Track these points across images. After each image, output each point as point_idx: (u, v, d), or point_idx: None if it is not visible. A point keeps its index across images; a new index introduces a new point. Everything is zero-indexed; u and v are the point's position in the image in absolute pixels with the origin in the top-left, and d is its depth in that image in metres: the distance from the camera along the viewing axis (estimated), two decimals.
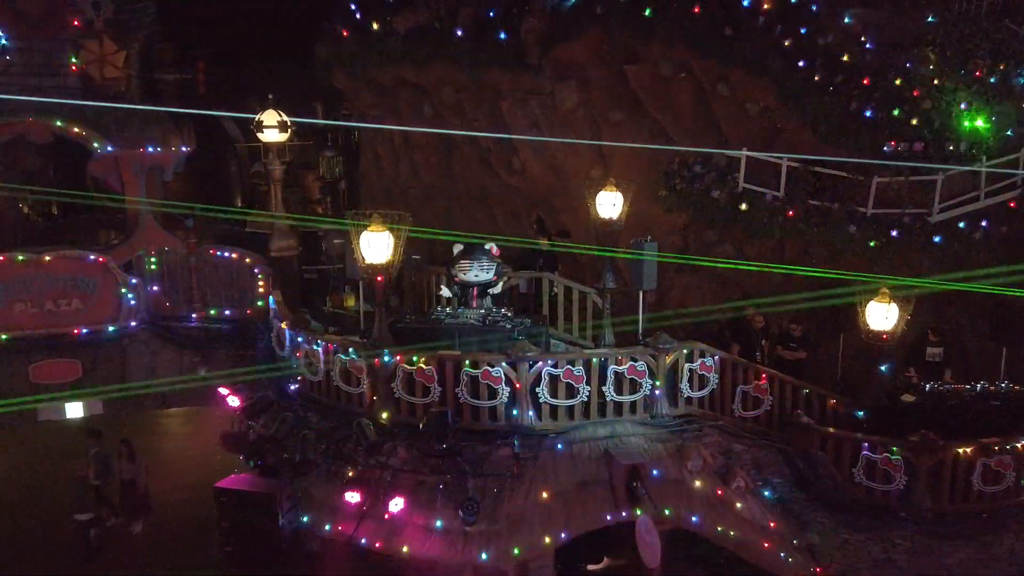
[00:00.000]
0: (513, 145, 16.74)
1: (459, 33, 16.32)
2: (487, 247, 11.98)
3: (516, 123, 16.19)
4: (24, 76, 14.12)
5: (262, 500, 9.78)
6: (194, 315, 14.40)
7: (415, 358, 10.50)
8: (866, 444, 10.86)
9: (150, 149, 14.50)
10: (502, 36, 15.90)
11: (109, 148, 14.11)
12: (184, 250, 14.34)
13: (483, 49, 16.14)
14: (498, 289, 12.01)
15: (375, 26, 17.59)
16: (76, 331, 13.80)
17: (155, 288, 14.37)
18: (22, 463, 16.42)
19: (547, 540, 9.75)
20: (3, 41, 13.79)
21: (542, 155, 16.47)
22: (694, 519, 10.18)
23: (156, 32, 16.44)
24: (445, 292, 12.22)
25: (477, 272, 11.71)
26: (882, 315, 10.89)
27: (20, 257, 13.71)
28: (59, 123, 13.97)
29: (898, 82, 14.48)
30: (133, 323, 14.12)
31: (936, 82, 14.56)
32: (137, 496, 14.05)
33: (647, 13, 14.81)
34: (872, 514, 10.74)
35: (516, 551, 9.63)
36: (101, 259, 14.01)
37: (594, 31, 15.22)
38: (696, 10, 14.62)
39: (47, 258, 13.79)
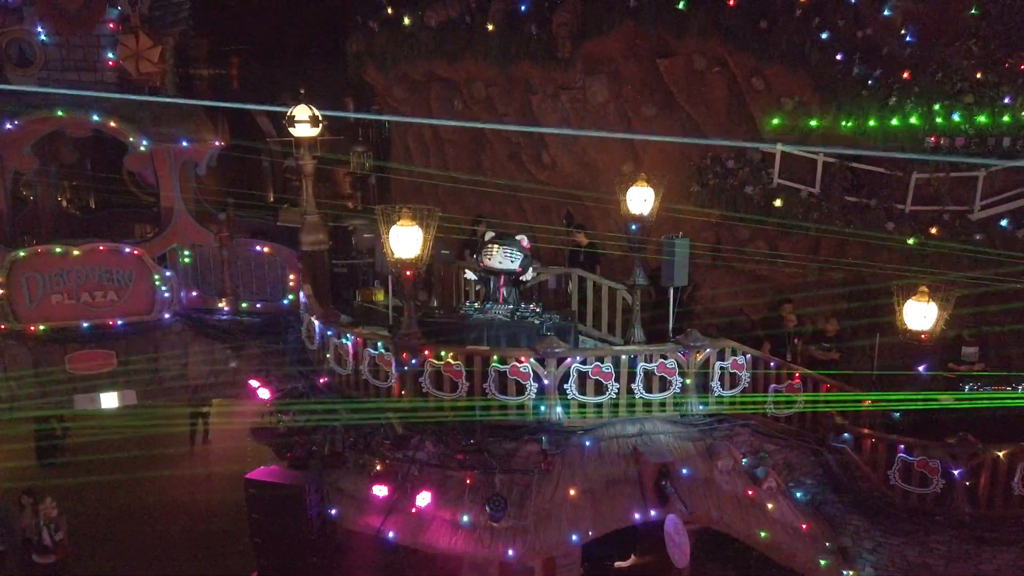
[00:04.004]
0: (543, 140, 16.66)
1: (490, 27, 16.27)
2: (518, 238, 11.89)
3: (547, 118, 16.11)
4: (62, 71, 14.34)
5: (291, 492, 9.85)
6: (226, 308, 14.54)
7: (443, 353, 10.50)
8: (902, 446, 10.64)
9: (184, 144, 14.65)
10: (533, 30, 15.81)
11: (144, 142, 14.28)
12: (217, 244, 14.48)
13: (514, 43, 16.07)
14: (527, 275, 11.89)
15: (406, 21, 17.61)
16: (111, 322, 14.02)
17: (188, 281, 14.55)
18: None
19: (574, 537, 9.68)
20: (42, 37, 14.02)
21: (572, 150, 16.37)
22: (724, 519, 10.04)
23: (190, 28, 16.60)
24: (469, 275, 12.14)
25: (501, 259, 11.54)
26: (920, 314, 10.65)
27: (57, 249, 13.96)
28: (96, 117, 14.17)
29: (939, 76, 14.15)
30: (167, 315, 14.30)
31: (979, 76, 14.19)
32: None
33: (681, 6, 14.63)
34: (908, 517, 10.52)
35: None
36: (136, 252, 14.20)
37: (626, 24, 15.07)
38: (731, 3, 14.41)
39: (84, 250, 14.01)
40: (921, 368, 10.94)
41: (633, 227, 11.54)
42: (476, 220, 16.15)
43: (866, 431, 10.98)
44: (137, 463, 15.61)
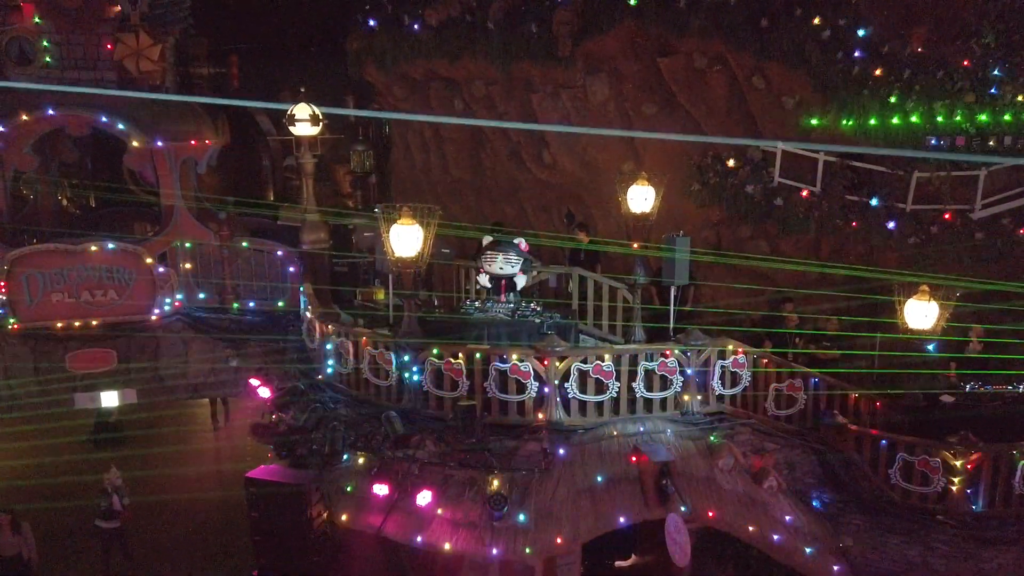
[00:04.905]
0: (544, 139, 16.64)
1: (490, 26, 16.25)
2: (516, 241, 11.92)
3: (547, 117, 16.08)
4: (62, 70, 14.32)
5: (291, 491, 9.82)
6: (226, 306, 14.54)
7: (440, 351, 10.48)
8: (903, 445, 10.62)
9: (184, 142, 14.64)
10: (533, 29, 15.80)
11: (144, 141, 14.27)
12: (217, 242, 14.47)
13: (514, 42, 16.05)
14: (521, 282, 11.91)
15: (406, 20, 17.60)
16: (112, 320, 14.01)
17: (188, 279, 14.54)
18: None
19: (575, 536, 9.66)
20: (46, 44, 14.02)
21: (573, 149, 16.35)
22: (724, 518, 10.02)
23: (190, 26, 16.59)
24: (483, 280, 12.13)
25: (502, 265, 11.64)
26: (921, 313, 10.64)
27: (58, 248, 13.94)
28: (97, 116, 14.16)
29: (940, 74, 14.12)
30: (167, 313, 14.29)
31: (980, 75, 14.17)
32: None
33: (681, 4, 14.62)
34: (909, 517, 10.50)
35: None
36: (136, 251, 14.19)
37: (627, 23, 15.05)
38: (731, 1, 14.39)
39: (84, 249, 13.99)
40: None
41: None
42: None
43: (868, 430, 10.96)
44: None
